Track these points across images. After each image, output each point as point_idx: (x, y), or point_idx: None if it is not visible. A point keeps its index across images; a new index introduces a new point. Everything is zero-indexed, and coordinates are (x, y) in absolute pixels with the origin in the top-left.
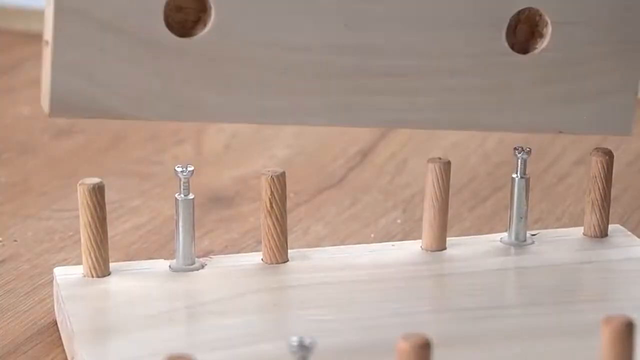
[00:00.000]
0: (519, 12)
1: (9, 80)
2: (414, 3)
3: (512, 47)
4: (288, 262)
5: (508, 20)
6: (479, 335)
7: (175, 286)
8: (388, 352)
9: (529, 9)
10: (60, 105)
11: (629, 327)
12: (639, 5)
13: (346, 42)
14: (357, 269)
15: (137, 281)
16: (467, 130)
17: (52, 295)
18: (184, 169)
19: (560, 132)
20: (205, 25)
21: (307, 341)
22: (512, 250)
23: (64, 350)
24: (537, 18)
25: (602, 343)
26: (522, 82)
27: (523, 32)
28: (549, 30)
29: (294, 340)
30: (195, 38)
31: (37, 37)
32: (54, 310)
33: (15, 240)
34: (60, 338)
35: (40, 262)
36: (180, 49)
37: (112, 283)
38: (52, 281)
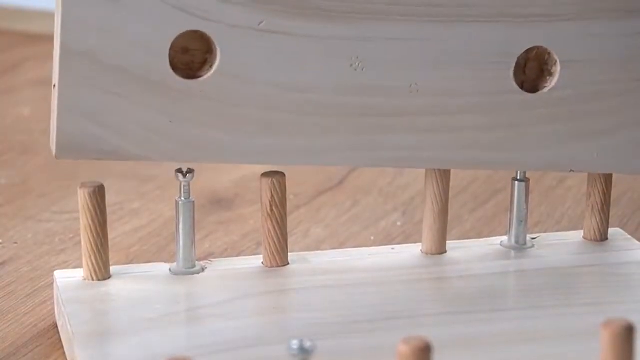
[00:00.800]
0: (528, 51)
1: (9, 81)
2: (421, 42)
3: (522, 85)
4: (288, 266)
5: (516, 59)
6: (479, 338)
7: (175, 289)
8: (389, 355)
9: (538, 47)
10: (67, 148)
11: (628, 330)
12: None
13: (353, 82)
14: (357, 272)
15: (138, 284)
16: (477, 169)
17: (52, 297)
18: (184, 172)
19: (572, 170)
20: (211, 66)
21: (307, 344)
22: (512, 253)
23: (64, 353)
24: (546, 56)
25: (601, 346)
26: (531, 121)
27: (533, 70)
28: (558, 69)
29: (295, 343)
30: (201, 79)
31: (37, 37)
32: (54, 312)
33: (16, 243)
34: (60, 341)
35: (41, 264)
36: (187, 91)
37: (113, 286)
38: (52, 283)
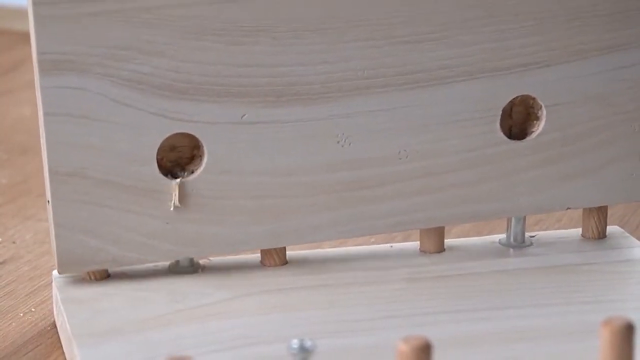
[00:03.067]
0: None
1: (10, 81)
2: (404, 109)
3: (510, 129)
4: (287, 264)
5: (500, 112)
6: (478, 336)
7: (174, 288)
8: (389, 354)
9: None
10: (69, 263)
11: (628, 328)
12: (626, 76)
13: (341, 157)
14: (356, 271)
15: (136, 284)
16: (472, 222)
17: (52, 297)
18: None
19: (568, 208)
20: (201, 161)
21: (307, 343)
22: (511, 251)
23: (64, 352)
24: (531, 101)
25: (601, 344)
26: (522, 168)
27: (520, 114)
28: (543, 113)
29: (295, 342)
30: (190, 177)
31: None
32: (54, 312)
33: (14, 242)
34: (59, 340)
35: (41, 263)
36: (178, 192)
37: (111, 286)
38: (51, 283)
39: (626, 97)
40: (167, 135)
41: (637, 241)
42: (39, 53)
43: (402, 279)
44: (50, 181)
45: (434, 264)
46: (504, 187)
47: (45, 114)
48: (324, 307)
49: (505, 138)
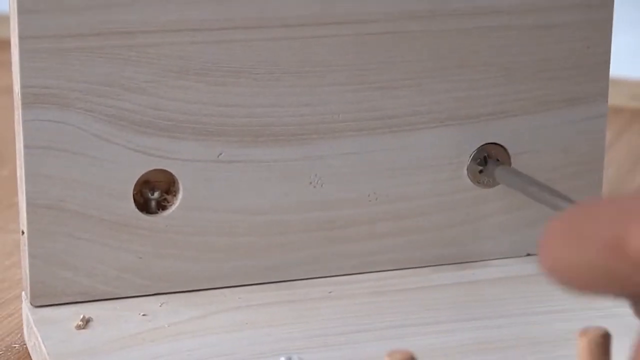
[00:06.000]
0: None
1: None
2: (375, 153)
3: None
4: None
5: (469, 158)
6: (446, 348)
7: (144, 307)
8: None
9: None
10: (41, 295)
11: (605, 337)
12: (588, 127)
13: (313, 198)
14: (322, 286)
15: (107, 303)
16: (439, 264)
17: (19, 310)
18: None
19: (528, 254)
20: (175, 196)
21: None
22: (474, 263)
23: None
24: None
25: (578, 354)
26: (488, 213)
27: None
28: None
29: (284, 359)
30: (165, 214)
31: (6, 44)
32: (22, 324)
33: None
34: (29, 355)
35: (8, 275)
36: (153, 227)
37: (82, 306)
38: (19, 296)
39: (587, 148)
40: (145, 171)
41: None
42: (23, 86)
43: (368, 293)
44: (28, 213)
45: (399, 277)
46: (469, 232)
47: (25, 147)
48: (294, 323)
49: (472, 184)
